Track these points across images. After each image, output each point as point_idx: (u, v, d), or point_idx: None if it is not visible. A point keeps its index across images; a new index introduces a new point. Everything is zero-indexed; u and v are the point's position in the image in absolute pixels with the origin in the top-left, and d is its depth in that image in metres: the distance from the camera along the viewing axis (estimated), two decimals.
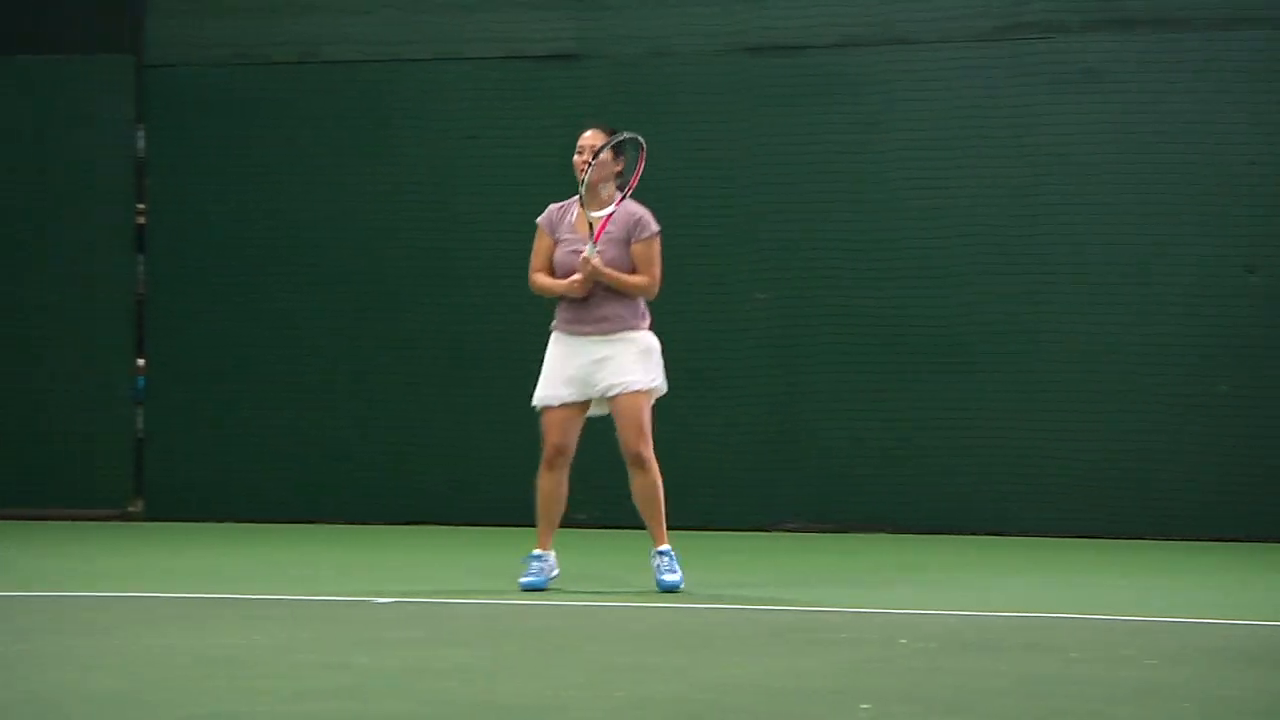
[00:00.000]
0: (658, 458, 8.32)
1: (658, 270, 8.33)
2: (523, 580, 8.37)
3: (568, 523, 12.00)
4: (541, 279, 8.40)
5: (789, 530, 11.84)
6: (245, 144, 12.51)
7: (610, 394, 8.23)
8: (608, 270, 8.23)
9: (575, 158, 8.37)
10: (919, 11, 11.74)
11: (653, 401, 8.33)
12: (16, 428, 12.74)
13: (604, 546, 11.02)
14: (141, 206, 12.70)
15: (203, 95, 12.57)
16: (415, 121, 12.35)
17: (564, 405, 8.28)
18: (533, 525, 12.53)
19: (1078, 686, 5.74)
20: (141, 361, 12.73)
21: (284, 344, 12.48)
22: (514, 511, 12.07)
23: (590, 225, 8.29)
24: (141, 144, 12.66)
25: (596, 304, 8.27)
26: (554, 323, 8.40)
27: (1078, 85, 11.49)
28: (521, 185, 12.09)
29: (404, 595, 8.26)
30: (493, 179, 12.22)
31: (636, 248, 8.30)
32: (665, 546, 8.33)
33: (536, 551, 8.46)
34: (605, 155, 8.28)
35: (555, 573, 8.51)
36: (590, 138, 8.36)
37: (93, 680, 5.82)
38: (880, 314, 11.78)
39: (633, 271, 8.27)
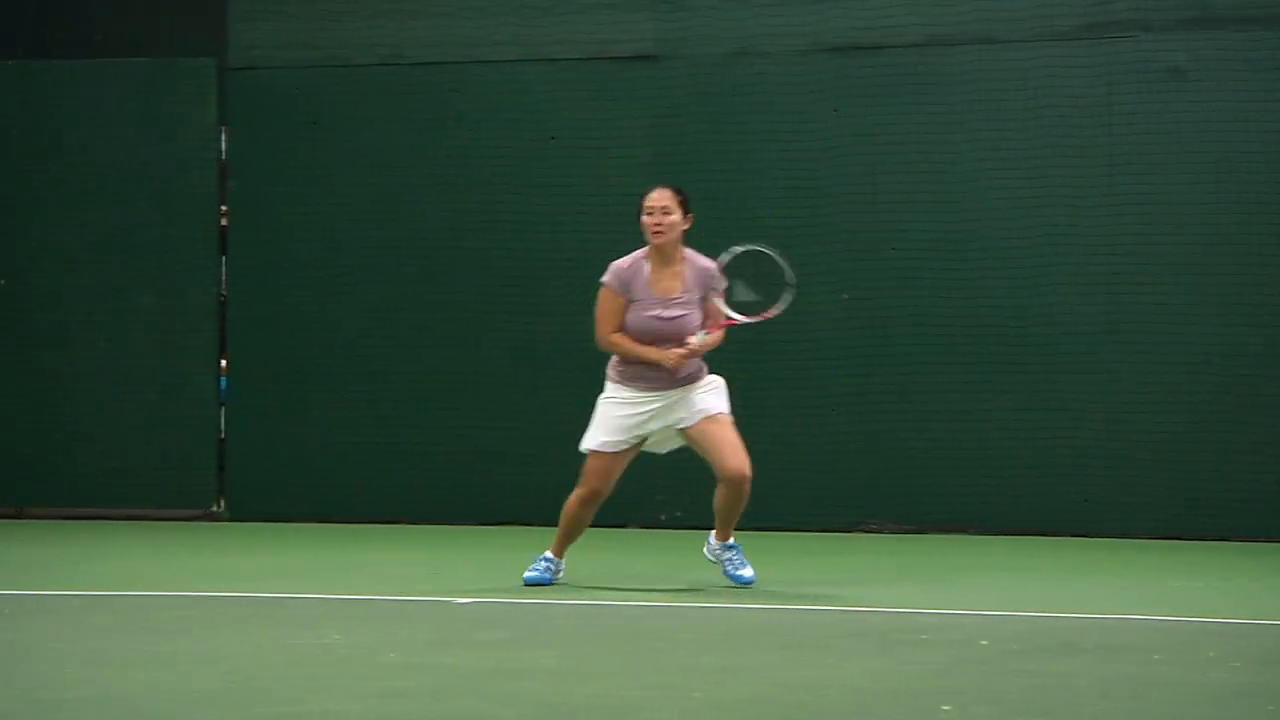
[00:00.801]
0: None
1: (723, 325, 8.48)
2: (527, 575, 8.58)
3: (650, 523, 12.11)
4: (626, 343, 8.42)
5: (869, 531, 11.81)
6: (326, 147, 12.56)
7: (694, 422, 8.35)
8: (706, 346, 8.40)
9: (644, 218, 8.37)
10: (1003, 10, 11.67)
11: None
12: (103, 428, 12.84)
13: (686, 547, 11.04)
14: (225, 209, 12.80)
15: (285, 98, 12.62)
16: (495, 123, 12.37)
17: (617, 453, 8.43)
18: (612, 526, 12.58)
19: (1158, 689, 5.73)
20: (224, 363, 12.83)
21: (363, 345, 12.52)
22: (599, 513, 12.11)
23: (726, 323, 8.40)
24: (224, 147, 12.76)
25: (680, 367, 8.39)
26: (615, 374, 8.47)
27: (1163, 84, 11.40)
28: (602, 187, 12.12)
29: (485, 595, 8.29)
30: (573, 180, 12.23)
31: (710, 305, 8.40)
32: (732, 540, 8.60)
33: (549, 554, 8.68)
34: (675, 216, 8.34)
35: (561, 575, 8.72)
36: (658, 198, 8.37)
37: (179, 679, 5.86)
38: (965, 313, 11.72)
39: (703, 320, 8.38)
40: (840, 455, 11.85)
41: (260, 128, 12.67)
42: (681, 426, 8.40)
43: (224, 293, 12.77)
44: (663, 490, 12.05)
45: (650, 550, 10.98)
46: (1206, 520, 11.33)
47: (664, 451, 8.69)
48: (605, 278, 8.49)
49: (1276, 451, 11.23)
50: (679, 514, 12.03)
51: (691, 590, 8.63)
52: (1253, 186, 11.30)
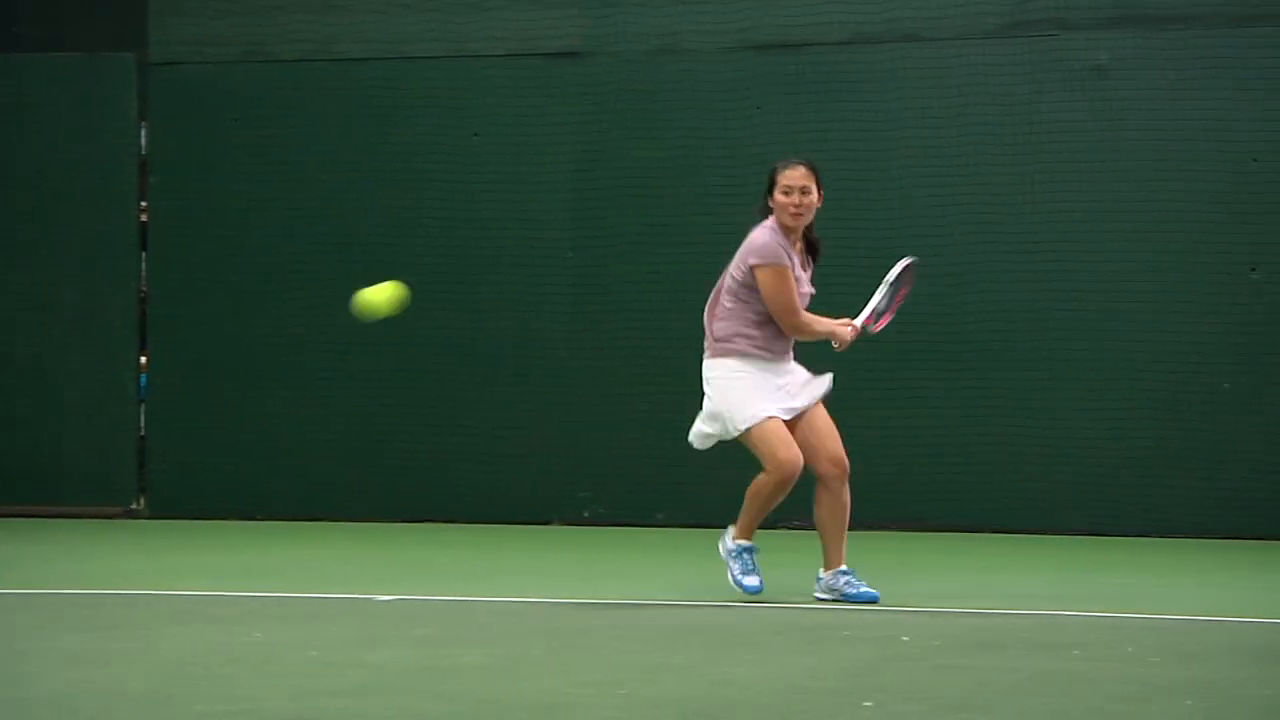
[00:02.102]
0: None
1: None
2: (747, 583, 7.86)
3: (574, 520, 12.08)
4: (812, 320, 7.90)
5: (792, 528, 11.82)
6: (249, 142, 12.49)
7: (820, 395, 7.85)
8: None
9: (780, 197, 7.83)
10: (927, 8, 11.72)
11: None
12: (22, 425, 12.73)
13: (610, 543, 11.02)
14: (145, 205, 12.68)
15: (206, 93, 12.54)
16: (420, 119, 12.33)
17: (783, 416, 7.77)
18: (535, 524, 12.53)
19: (1081, 685, 5.72)
20: (144, 360, 12.72)
21: (285, 343, 12.45)
22: (517, 509, 12.12)
23: (876, 312, 8.15)
24: (145, 142, 12.64)
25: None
26: (741, 347, 7.83)
27: (1086, 82, 11.49)
28: (530, 182, 12.11)
29: (411, 592, 8.24)
30: (500, 177, 12.20)
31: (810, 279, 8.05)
32: (844, 565, 7.96)
33: (741, 542, 7.95)
34: (813, 196, 7.87)
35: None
36: (799, 177, 7.86)
37: (101, 678, 5.81)
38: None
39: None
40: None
41: (181, 123, 12.58)
42: (811, 403, 7.84)
43: (144, 289, 12.67)
44: (586, 487, 12.05)
45: (574, 547, 10.96)
46: (1131, 517, 11.41)
47: None
48: (773, 257, 7.80)
49: (1202, 449, 11.33)
50: (602, 511, 12.02)
51: (617, 587, 8.61)
52: (1175, 184, 11.39)
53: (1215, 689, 5.68)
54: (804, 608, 7.80)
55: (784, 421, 7.76)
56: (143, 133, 12.66)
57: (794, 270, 7.83)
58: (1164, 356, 11.37)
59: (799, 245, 7.92)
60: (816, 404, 7.84)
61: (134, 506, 12.68)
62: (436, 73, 12.31)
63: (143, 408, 12.69)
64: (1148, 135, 11.41)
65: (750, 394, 7.75)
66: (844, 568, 7.91)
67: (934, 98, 11.67)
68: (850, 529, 12.07)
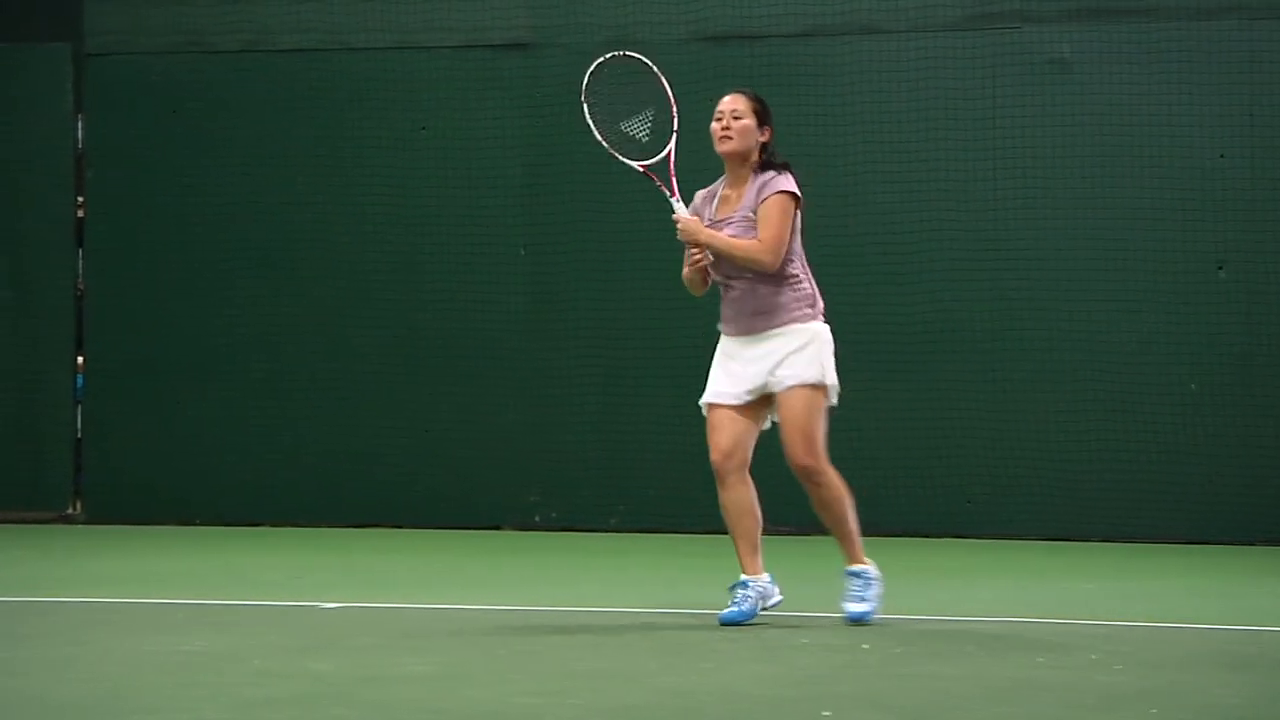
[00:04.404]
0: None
1: (773, 232, 7.03)
2: (722, 614, 7.16)
3: (524, 525, 11.94)
4: (720, 242, 7.10)
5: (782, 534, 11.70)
6: (188, 135, 12.35)
7: (773, 389, 7.10)
8: (705, 229, 7.06)
9: (713, 124, 7.19)
10: (886, 0, 11.62)
11: (826, 404, 7.20)
12: None
13: (561, 548, 10.91)
14: (81, 199, 12.49)
15: (144, 84, 12.40)
16: (364, 112, 12.22)
17: (726, 408, 7.14)
18: (486, 529, 12.40)
19: (1042, 692, 5.71)
20: (80, 359, 12.53)
21: (225, 342, 12.31)
22: (466, 513, 11.98)
23: (657, 180, 7.17)
24: (81, 135, 12.47)
25: (746, 296, 7.11)
26: (719, 324, 7.28)
27: (1046, 76, 11.42)
28: (476, 176, 12.00)
29: (356, 600, 8.16)
30: (446, 171, 12.08)
31: (760, 209, 7.08)
32: (857, 566, 7.24)
33: (743, 578, 7.24)
34: (748, 120, 7.13)
35: (775, 600, 7.25)
36: (729, 102, 7.21)
37: (34, 687, 5.72)
38: (844, 313, 11.62)
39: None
40: None
41: (118, 115, 12.44)
42: (771, 392, 7.14)
43: (80, 286, 12.49)
44: (536, 491, 11.93)
45: (525, 552, 10.87)
46: (1091, 521, 11.34)
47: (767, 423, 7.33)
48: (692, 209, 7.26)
49: (1161, 450, 11.28)
50: (554, 515, 11.90)
51: (569, 593, 8.51)
52: (1136, 179, 11.33)
53: (1181, 696, 5.68)
54: (761, 615, 7.66)
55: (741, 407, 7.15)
56: (79, 125, 12.45)
57: (703, 219, 7.17)
58: (1127, 356, 11.30)
59: (743, 189, 7.16)
60: (791, 390, 7.10)
61: (69, 511, 12.51)
62: (381, 65, 12.19)
63: (79, 409, 12.48)
64: (1111, 130, 11.35)
65: (710, 376, 7.28)
66: (853, 567, 7.26)
67: (893, 91, 11.59)
68: (804, 534, 12.02)
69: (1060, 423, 11.39)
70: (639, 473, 11.73)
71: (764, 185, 7.14)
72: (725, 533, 11.01)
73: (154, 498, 12.35)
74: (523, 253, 12.03)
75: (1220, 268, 11.28)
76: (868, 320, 11.60)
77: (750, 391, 7.16)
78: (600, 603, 8.06)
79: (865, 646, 6.63)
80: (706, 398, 7.22)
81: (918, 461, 11.53)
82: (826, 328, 7.24)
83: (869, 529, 11.47)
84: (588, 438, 11.88)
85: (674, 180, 7.21)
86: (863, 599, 7.22)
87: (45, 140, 12.47)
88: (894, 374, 11.57)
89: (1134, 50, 11.31)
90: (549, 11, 12.00)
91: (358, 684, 5.80)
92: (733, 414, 7.16)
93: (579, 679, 5.95)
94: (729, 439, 7.15)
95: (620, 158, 7.32)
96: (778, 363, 7.12)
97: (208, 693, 5.60)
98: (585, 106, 7.31)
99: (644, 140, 7.26)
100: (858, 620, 7.18)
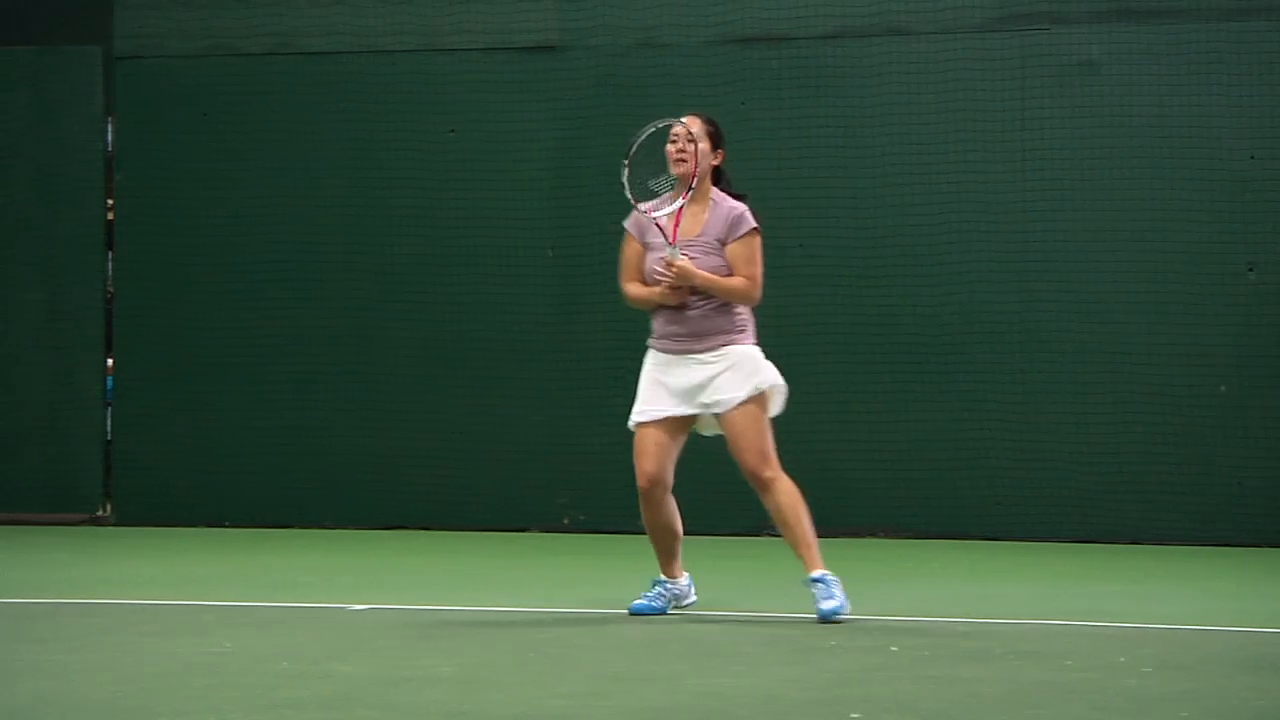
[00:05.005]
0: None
1: (758, 271, 7.43)
2: (634, 604, 7.60)
3: (553, 527, 11.93)
4: (634, 289, 7.53)
5: (775, 535, 11.66)
6: (218, 137, 12.36)
7: (717, 411, 7.42)
8: (699, 271, 7.36)
9: (669, 146, 7.49)
10: (915, 1, 11.59)
11: (769, 414, 7.56)
12: None
13: (590, 550, 10.91)
14: (111, 202, 12.52)
15: (175, 88, 12.41)
16: (393, 115, 12.21)
17: (662, 420, 7.46)
18: (513, 530, 12.42)
19: (1072, 695, 5.69)
20: (111, 362, 12.55)
21: (255, 344, 12.30)
22: (494, 516, 11.97)
23: (661, 226, 7.42)
24: (111, 138, 12.50)
25: (694, 315, 7.44)
26: (650, 338, 7.58)
27: (1076, 77, 11.38)
28: (503, 180, 11.99)
29: (384, 601, 8.15)
30: (475, 173, 12.08)
31: (733, 247, 7.40)
32: (818, 572, 7.43)
33: (662, 578, 7.68)
34: (705, 144, 7.44)
35: (690, 600, 7.70)
36: (685, 125, 7.49)
37: (65, 689, 5.72)
38: (871, 314, 11.65)
39: (729, 276, 7.42)
40: None
41: (148, 118, 12.45)
42: (717, 413, 7.46)
43: (110, 289, 12.52)
44: (564, 494, 11.92)
45: (552, 555, 10.86)
46: (1119, 523, 11.30)
47: (709, 434, 7.71)
48: (626, 222, 7.61)
49: (1190, 452, 11.22)
50: (582, 518, 11.90)
51: (597, 596, 8.49)
52: (1165, 180, 11.28)
53: (1209, 699, 5.66)
54: (790, 618, 7.69)
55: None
56: (109, 128, 12.48)
57: (648, 237, 7.48)
58: (1158, 358, 11.25)
59: (700, 211, 7.46)
60: (731, 412, 7.43)
61: (100, 513, 12.51)
62: (410, 67, 12.18)
63: (109, 411, 12.51)
64: (1141, 132, 11.30)
65: (640, 393, 7.55)
66: (814, 574, 7.47)
67: (920, 93, 11.55)
68: (833, 535, 11.99)
69: (1089, 425, 11.34)
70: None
71: (734, 222, 7.45)
72: (758, 535, 11.02)
73: (183, 500, 12.36)
74: (550, 254, 12.03)
75: (1250, 269, 11.23)
76: (895, 321, 11.58)
77: (680, 409, 7.47)
78: (629, 605, 8.06)
79: (893, 649, 6.62)
80: (637, 417, 7.53)
81: (945, 463, 11.50)
82: (757, 349, 7.59)
83: (896, 531, 11.55)
84: (616, 440, 11.79)
85: (676, 229, 7.46)
86: (831, 596, 7.38)
87: (76, 143, 12.48)
88: (922, 375, 11.55)
89: (1164, 51, 11.27)
90: (577, 14, 11.99)
91: (386, 686, 5.79)
92: (659, 436, 7.48)
93: (609, 681, 5.93)
94: (655, 465, 7.48)
95: (640, 208, 7.57)
96: (711, 386, 7.44)
97: (236, 694, 5.60)
98: (625, 169, 7.57)
99: (660, 194, 7.58)
100: (830, 616, 7.31)
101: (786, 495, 7.53)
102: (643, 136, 7.58)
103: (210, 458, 12.34)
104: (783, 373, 11.74)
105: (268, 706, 5.40)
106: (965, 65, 11.49)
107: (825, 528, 11.74)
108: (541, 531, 11.92)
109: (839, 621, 7.31)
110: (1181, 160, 11.22)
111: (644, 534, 7.80)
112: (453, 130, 12.15)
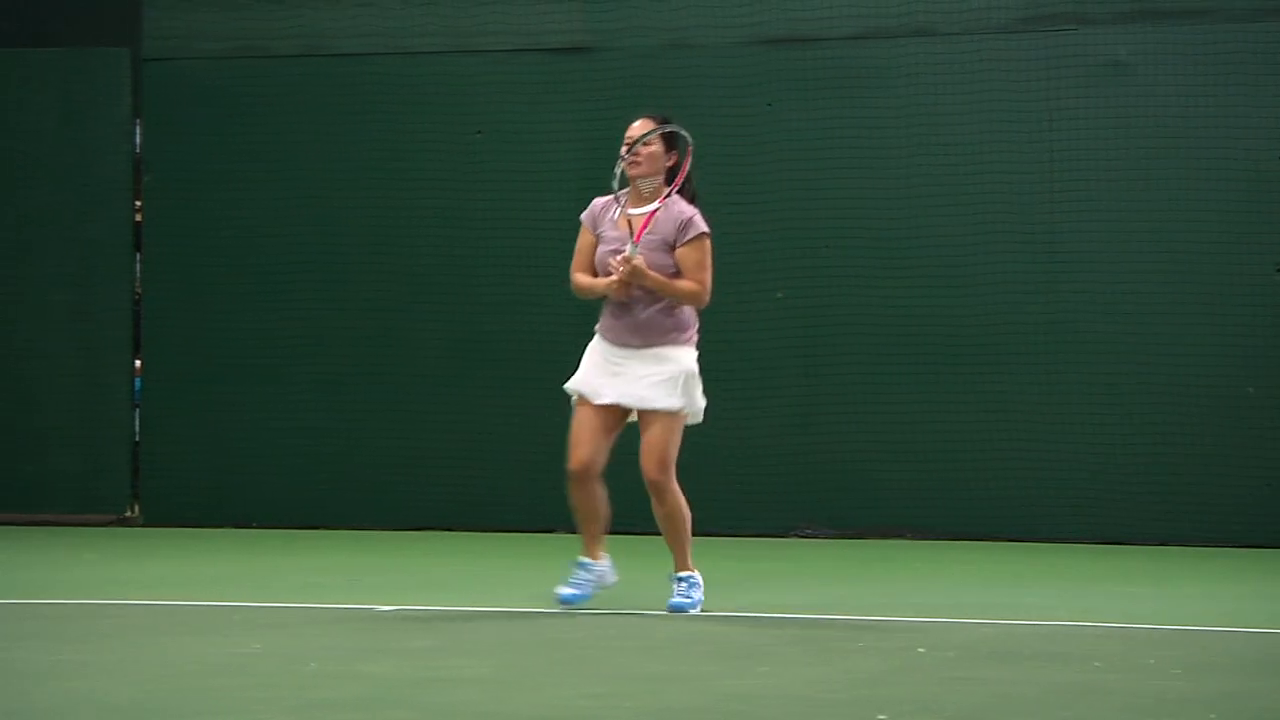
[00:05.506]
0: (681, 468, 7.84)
1: (708, 276, 7.62)
2: (562, 594, 7.83)
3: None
4: (581, 279, 7.74)
5: (804, 536, 11.69)
6: (246, 139, 12.38)
7: (643, 408, 7.61)
8: (651, 272, 7.53)
9: (623, 149, 7.68)
10: (942, 3, 11.59)
11: (683, 426, 7.71)
12: (12, 430, 12.61)
13: (616, 552, 10.89)
14: (139, 203, 12.55)
15: (202, 89, 12.43)
16: (421, 116, 12.22)
17: (599, 408, 7.63)
18: (539, 532, 12.41)
19: (1098, 697, 5.68)
20: (138, 363, 12.58)
21: (282, 345, 12.33)
22: (521, 516, 11.97)
23: (630, 223, 7.60)
24: (139, 139, 12.52)
25: (639, 312, 7.61)
26: (597, 325, 7.79)
27: (1104, 77, 11.36)
28: (533, 180, 12.00)
29: (411, 602, 8.15)
30: (503, 174, 12.09)
31: (682, 251, 7.59)
32: (684, 573, 7.75)
33: (583, 559, 7.89)
34: (656, 147, 7.64)
35: (611, 580, 7.94)
36: (638, 127, 7.66)
37: (92, 690, 5.73)
38: (895, 315, 11.63)
39: (677, 277, 7.59)
40: (774, 458, 11.72)
41: (176, 120, 12.48)
42: (639, 409, 7.65)
43: (138, 290, 12.55)
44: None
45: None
46: (1148, 524, 11.26)
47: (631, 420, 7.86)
48: (582, 214, 7.82)
49: (1218, 455, 11.20)
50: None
51: (623, 597, 8.48)
52: (1192, 181, 11.26)
53: (1237, 701, 5.66)
54: (817, 619, 7.69)
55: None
56: (137, 130, 12.52)
57: (601, 229, 7.72)
58: (1185, 359, 11.22)
59: (648, 202, 7.66)
60: (655, 416, 7.60)
61: (127, 514, 12.55)
62: (438, 68, 12.20)
63: (137, 412, 12.54)
64: (1167, 131, 11.28)
65: (583, 366, 7.73)
66: (681, 574, 7.78)
67: (948, 94, 11.54)
68: (862, 536, 11.98)
69: (1115, 425, 11.32)
70: (695, 475, 11.72)
71: (683, 226, 7.64)
72: (785, 536, 10.98)
73: (211, 501, 12.39)
74: None
75: (1278, 269, 11.20)
76: (920, 322, 11.56)
77: (616, 399, 7.64)
78: (656, 606, 8.03)
79: (920, 650, 6.62)
80: (578, 387, 7.69)
81: (973, 464, 11.48)
82: (695, 354, 7.72)
83: (924, 532, 11.54)
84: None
85: (643, 230, 7.61)
86: (688, 595, 7.73)
87: (104, 144, 12.51)
88: (947, 376, 11.53)
89: (1191, 51, 11.25)
90: (606, 15, 12.00)
91: (414, 687, 5.79)
92: (595, 423, 7.65)
93: (635, 682, 5.93)
94: (589, 451, 7.66)
95: (618, 204, 7.72)
96: (646, 383, 7.61)
97: (265, 695, 5.61)
98: (619, 166, 7.69)
99: (614, 192, 7.73)
100: (678, 610, 7.66)
101: (674, 504, 7.76)
102: (645, 134, 7.72)
103: (237, 459, 12.37)
104: (809, 373, 11.78)
105: (298, 707, 5.40)
106: (993, 66, 11.48)
107: (853, 528, 11.81)
108: (567, 533, 11.90)
109: (685, 614, 7.62)
110: (1208, 160, 11.21)
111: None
112: (479, 131, 12.17)
